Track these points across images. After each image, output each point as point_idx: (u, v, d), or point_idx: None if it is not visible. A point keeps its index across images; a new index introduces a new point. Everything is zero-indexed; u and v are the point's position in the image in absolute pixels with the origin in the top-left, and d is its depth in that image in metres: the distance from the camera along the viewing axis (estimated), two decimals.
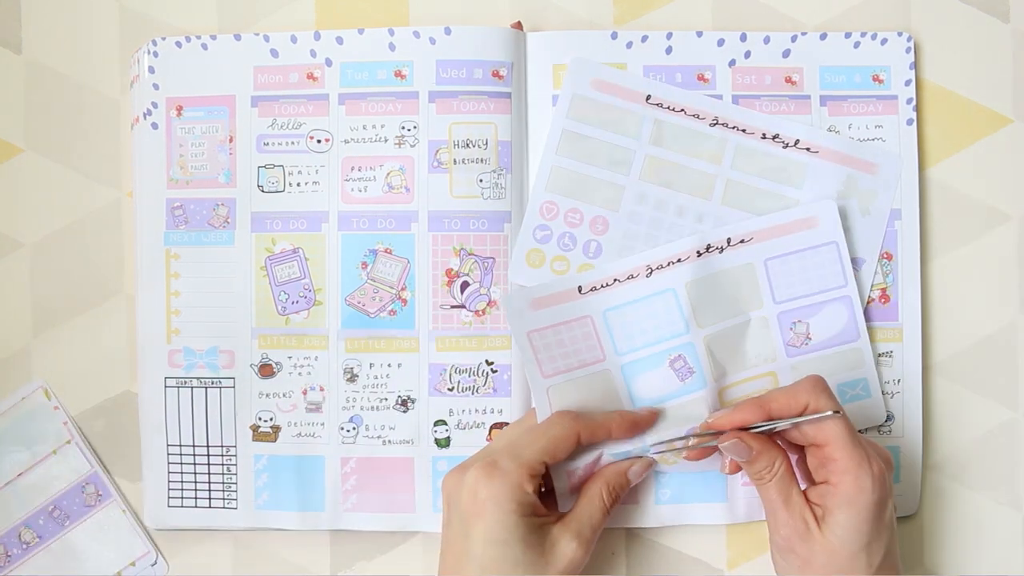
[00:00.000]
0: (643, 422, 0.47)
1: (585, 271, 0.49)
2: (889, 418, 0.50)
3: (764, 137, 0.49)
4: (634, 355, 0.48)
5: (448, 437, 0.49)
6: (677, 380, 0.48)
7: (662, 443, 0.47)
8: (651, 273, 0.47)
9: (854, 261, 0.49)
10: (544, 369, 0.47)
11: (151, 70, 0.50)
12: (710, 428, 0.45)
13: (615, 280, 0.48)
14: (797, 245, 0.48)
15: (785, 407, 0.43)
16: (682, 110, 0.49)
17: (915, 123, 0.50)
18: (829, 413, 0.42)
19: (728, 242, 0.48)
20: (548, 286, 0.47)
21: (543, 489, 0.45)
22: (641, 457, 0.47)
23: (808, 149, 0.49)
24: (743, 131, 0.49)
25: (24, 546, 0.50)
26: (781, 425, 0.43)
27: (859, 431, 0.48)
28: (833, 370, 0.49)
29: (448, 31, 0.49)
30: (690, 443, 0.46)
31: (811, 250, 0.48)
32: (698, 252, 0.48)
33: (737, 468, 0.45)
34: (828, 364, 0.49)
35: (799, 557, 0.43)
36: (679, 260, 0.48)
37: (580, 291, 0.47)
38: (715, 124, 0.49)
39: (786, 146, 0.49)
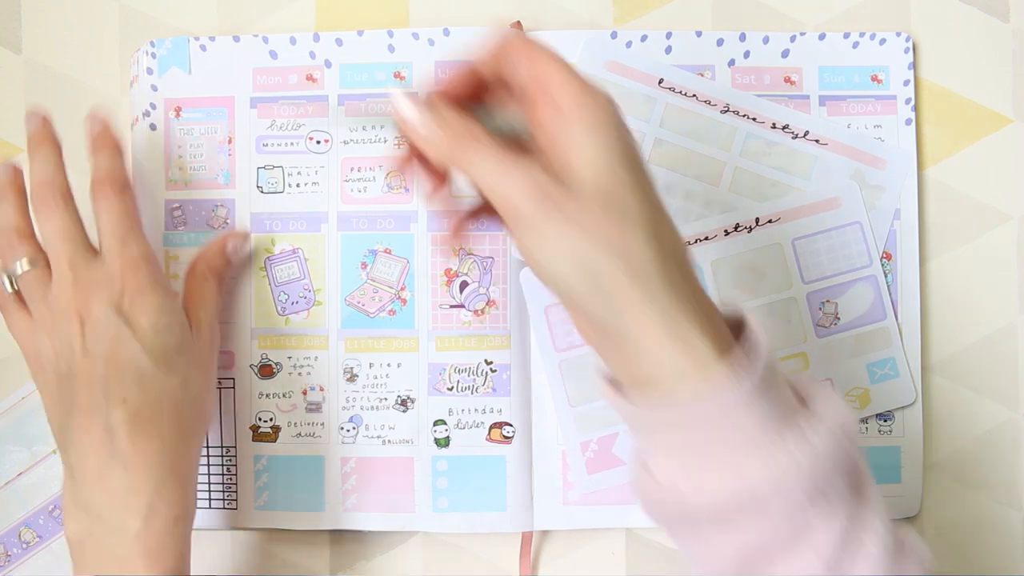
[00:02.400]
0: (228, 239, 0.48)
1: None
2: (889, 418, 0.50)
3: (774, 127, 0.49)
4: None
5: (448, 437, 0.50)
6: None
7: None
8: (726, 111, 0.48)
9: None
10: (558, 344, 0.47)
11: (150, 71, 0.50)
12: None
13: (694, 95, 0.48)
14: (823, 225, 0.49)
15: (494, 66, 0.35)
16: (694, 95, 0.49)
17: (914, 123, 0.50)
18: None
19: (756, 222, 0.48)
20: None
21: None
22: (240, 231, 0.49)
23: (817, 141, 0.49)
24: (753, 119, 0.49)
25: (24, 546, 0.50)
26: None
27: (887, 411, 0.50)
28: (862, 350, 0.49)
29: (447, 32, 0.49)
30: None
31: (836, 230, 0.49)
32: (726, 231, 0.48)
33: (439, 184, 0.38)
34: (857, 344, 0.49)
35: (568, 210, 0.32)
36: (706, 238, 0.48)
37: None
38: (726, 111, 0.49)
39: (795, 137, 0.49)
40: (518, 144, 0.35)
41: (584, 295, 0.33)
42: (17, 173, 0.46)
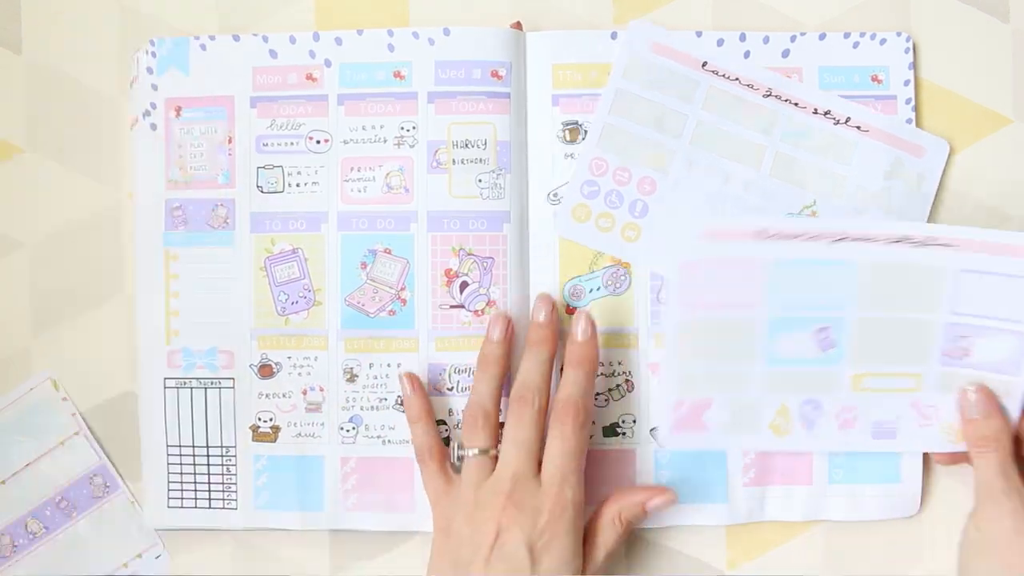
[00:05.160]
0: (508, 340, 0.48)
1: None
2: None
3: (816, 112, 0.49)
4: (785, 312, 0.47)
5: (447, 437, 0.49)
6: (817, 349, 0.47)
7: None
8: (839, 241, 0.46)
9: None
10: (683, 302, 0.47)
11: (150, 70, 0.50)
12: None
13: (803, 234, 0.46)
14: (999, 268, 0.46)
15: None
16: (736, 79, 0.49)
17: (914, 123, 0.50)
18: None
19: (928, 240, 0.46)
20: (728, 221, 0.47)
21: None
22: (666, 493, 0.46)
23: (859, 128, 0.49)
24: (795, 104, 0.49)
25: (31, 536, 0.51)
26: None
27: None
28: None
29: (447, 31, 0.49)
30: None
31: (1013, 279, 0.46)
32: (895, 240, 0.46)
33: (952, 459, 0.47)
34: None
35: (1004, 530, 0.43)
36: (869, 239, 0.46)
37: (761, 234, 0.46)
38: (768, 95, 0.49)
39: (837, 123, 0.49)
40: None
41: None
42: (507, 348, 0.48)
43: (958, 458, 0.48)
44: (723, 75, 0.49)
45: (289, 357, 0.50)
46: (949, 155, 0.51)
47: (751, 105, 0.49)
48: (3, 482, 0.51)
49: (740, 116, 0.49)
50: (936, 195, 0.51)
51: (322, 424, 0.50)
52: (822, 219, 0.49)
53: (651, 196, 0.49)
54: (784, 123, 0.49)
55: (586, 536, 0.46)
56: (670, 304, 0.47)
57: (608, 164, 0.49)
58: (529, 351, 0.47)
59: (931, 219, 0.51)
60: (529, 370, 0.46)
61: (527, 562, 0.42)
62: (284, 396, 0.50)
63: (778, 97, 0.49)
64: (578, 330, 0.46)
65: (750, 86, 0.49)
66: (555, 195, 0.50)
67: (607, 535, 0.46)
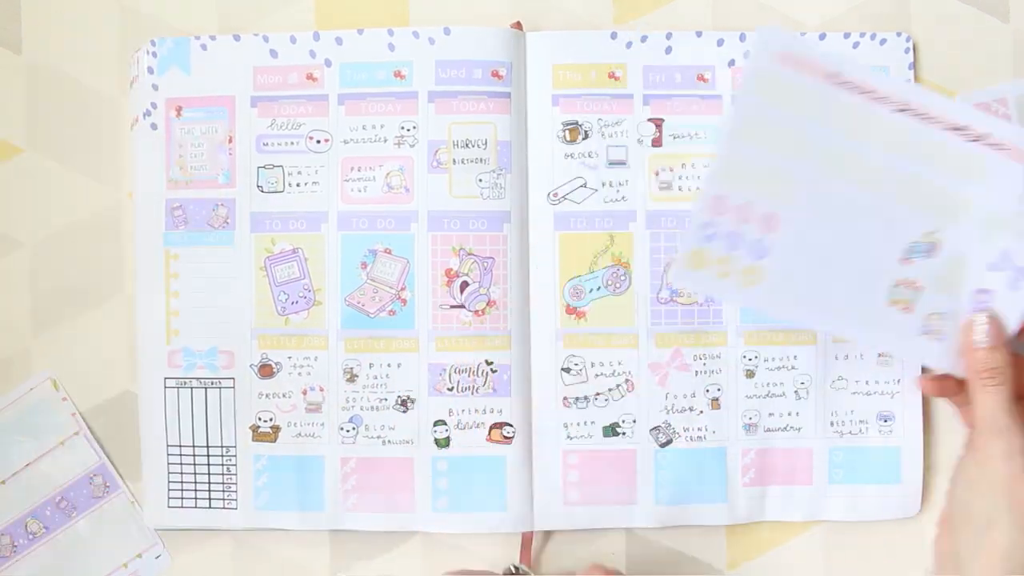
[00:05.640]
0: None
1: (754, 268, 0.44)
2: (889, 418, 0.50)
3: (952, 127, 0.44)
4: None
5: (448, 437, 0.49)
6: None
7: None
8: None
9: (1022, 270, 0.44)
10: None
11: (150, 70, 0.50)
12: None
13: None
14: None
15: None
16: (871, 91, 0.43)
17: None
18: None
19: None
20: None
21: None
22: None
23: (996, 145, 0.44)
24: (930, 118, 0.44)
25: (31, 536, 0.50)
26: None
27: (890, 412, 0.50)
28: None
29: (447, 31, 0.49)
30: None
31: None
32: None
33: (937, 387, 0.46)
34: None
35: (1014, 470, 0.41)
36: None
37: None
38: (903, 111, 0.43)
39: (973, 139, 0.44)
40: None
41: (967, 528, 0.42)
42: None
43: (947, 389, 0.47)
44: (855, 87, 0.43)
45: (289, 357, 0.50)
46: None
47: (881, 120, 0.43)
48: (3, 482, 0.51)
49: (868, 134, 0.43)
50: None
51: (322, 424, 0.50)
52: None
53: (774, 234, 0.44)
54: (915, 140, 0.44)
55: None
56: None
57: (728, 203, 0.43)
58: None
59: None
60: None
61: None
62: (284, 396, 0.50)
63: (913, 111, 0.43)
64: None
65: (884, 99, 0.43)
66: (555, 195, 0.50)
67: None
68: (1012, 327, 0.44)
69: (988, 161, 0.44)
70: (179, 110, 0.50)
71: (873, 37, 0.50)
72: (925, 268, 0.44)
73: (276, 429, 0.50)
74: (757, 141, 0.43)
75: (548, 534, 0.51)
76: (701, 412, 0.50)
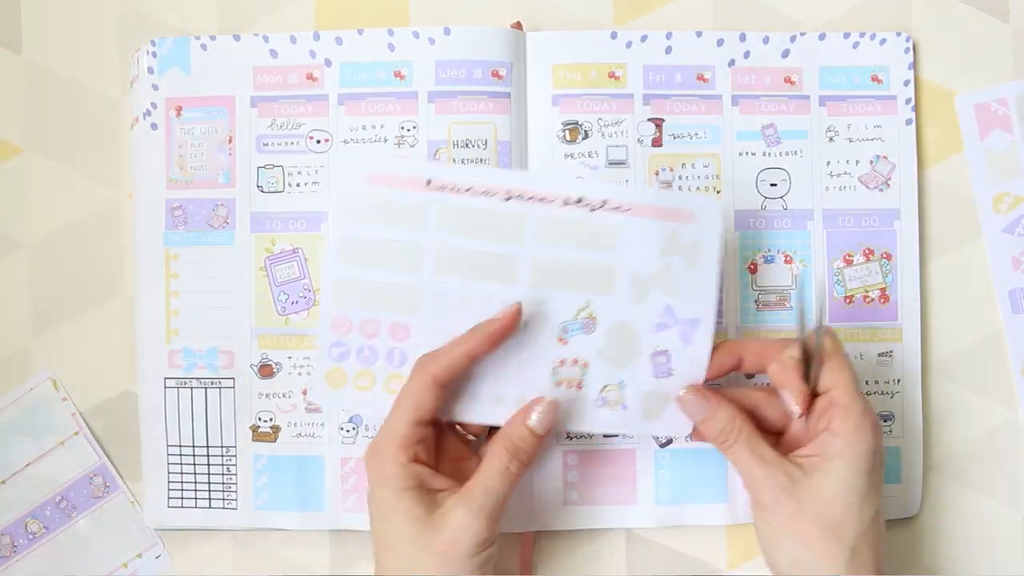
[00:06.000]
0: (505, 326, 0.43)
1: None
2: (889, 418, 0.50)
3: (566, 203, 0.43)
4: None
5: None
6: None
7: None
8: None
9: (689, 322, 0.45)
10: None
11: (150, 70, 0.50)
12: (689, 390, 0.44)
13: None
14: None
15: (758, 353, 0.44)
16: (468, 189, 0.43)
17: (914, 123, 0.50)
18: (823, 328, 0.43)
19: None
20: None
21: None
22: (542, 399, 0.43)
23: (618, 208, 0.43)
24: (541, 200, 0.43)
25: (31, 536, 0.50)
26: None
27: (887, 412, 0.50)
28: None
29: (447, 31, 0.49)
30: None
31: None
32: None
33: (700, 435, 0.45)
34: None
35: (785, 513, 0.41)
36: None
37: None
38: (509, 199, 0.43)
39: (592, 209, 0.43)
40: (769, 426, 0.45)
41: (784, 570, 0.42)
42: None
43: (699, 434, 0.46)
44: (453, 188, 0.43)
45: (289, 357, 0.50)
46: (949, 155, 0.51)
47: (494, 214, 0.43)
48: (3, 482, 0.51)
49: (483, 230, 0.43)
50: (936, 195, 0.51)
51: (322, 424, 0.50)
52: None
53: (407, 342, 0.45)
54: (535, 225, 0.43)
55: (473, 476, 0.43)
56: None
57: (351, 320, 0.44)
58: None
59: (924, 222, 0.51)
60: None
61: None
62: (284, 396, 0.50)
63: (521, 197, 0.43)
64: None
65: (485, 193, 0.43)
66: None
67: (492, 466, 0.42)
68: (700, 378, 0.45)
69: (617, 226, 0.44)
70: (179, 110, 0.50)
71: (873, 37, 0.50)
72: (586, 344, 0.45)
73: (276, 429, 0.50)
74: (362, 260, 0.44)
75: (548, 534, 0.51)
76: None
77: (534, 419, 0.43)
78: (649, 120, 0.50)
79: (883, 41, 0.51)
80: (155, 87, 0.50)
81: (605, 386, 0.45)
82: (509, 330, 0.43)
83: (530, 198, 0.43)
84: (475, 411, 0.45)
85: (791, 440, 0.45)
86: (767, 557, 0.43)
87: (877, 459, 0.42)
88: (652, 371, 0.45)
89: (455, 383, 0.44)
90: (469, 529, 0.41)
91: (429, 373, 0.42)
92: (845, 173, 0.50)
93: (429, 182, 0.43)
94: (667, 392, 0.45)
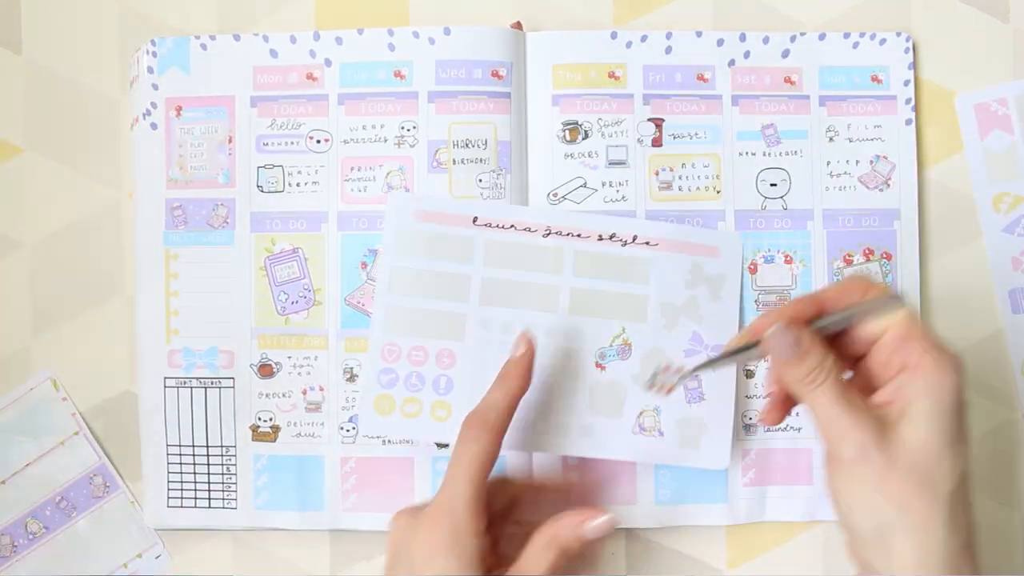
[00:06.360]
0: (529, 354, 0.43)
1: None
2: None
3: (601, 239, 0.47)
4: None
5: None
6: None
7: (686, 370, 0.43)
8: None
9: (715, 348, 0.47)
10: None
11: (150, 70, 0.50)
12: (751, 333, 0.39)
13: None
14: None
15: (838, 296, 0.38)
16: (512, 226, 0.47)
17: (914, 123, 0.50)
18: (894, 295, 0.37)
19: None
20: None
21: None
22: (607, 514, 0.40)
23: (647, 243, 0.47)
24: (578, 236, 0.47)
25: (31, 537, 0.50)
26: (835, 320, 0.38)
27: None
28: None
29: (447, 31, 0.49)
30: (721, 355, 0.41)
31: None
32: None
33: (780, 413, 0.41)
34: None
35: (875, 467, 0.36)
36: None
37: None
38: (548, 235, 0.47)
39: (624, 244, 0.47)
40: (852, 382, 0.39)
41: (867, 542, 0.37)
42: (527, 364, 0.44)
43: (787, 410, 0.42)
44: (497, 226, 0.47)
45: (289, 357, 0.50)
46: (949, 155, 0.51)
47: (535, 248, 0.47)
48: (3, 482, 0.51)
49: (526, 262, 0.47)
50: (936, 195, 0.51)
51: (322, 424, 0.50)
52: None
53: (453, 369, 0.47)
54: (572, 258, 0.47)
55: (520, 561, 0.40)
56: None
57: (400, 347, 0.47)
58: (498, 381, 0.43)
59: (924, 222, 0.51)
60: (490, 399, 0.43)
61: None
62: (284, 396, 0.50)
63: (559, 233, 0.47)
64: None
65: (527, 230, 0.47)
66: (555, 195, 0.50)
67: (536, 560, 0.39)
68: (730, 406, 0.47)
69: (647, 259, 0.46)
70: (179, 110, 0.50)
71: (873, 37, 0.50)
72: (622, 369, 0.47)
73: (276, 429, 0.50)
74: (412, 291, 0.47)
75: None
76: None
77: (591, 527, 0.40)
78: (649, 120, 0.50)
79: (883, 41, 0.51)
80: (155, 87, 0.50)
81: (642, 412, 0.48)
82: (533, 355, 0.43)
83: (567, 234, 0.47)
84: (520, 441, 0.47)
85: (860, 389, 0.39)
86: (845, 521, 0.38)
87: (963, 401, 0.37)
88: (685, 396, 0.48)
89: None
90: None
91: (491, 429, 0.40)
92: (845, 173, 0.50)
93: (475, 219, 0.47)
94: (702, 419, 0.48)
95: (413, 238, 0.47)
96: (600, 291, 0.47)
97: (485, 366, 0.47)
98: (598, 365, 0.47)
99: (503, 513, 0.45)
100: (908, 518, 0.36)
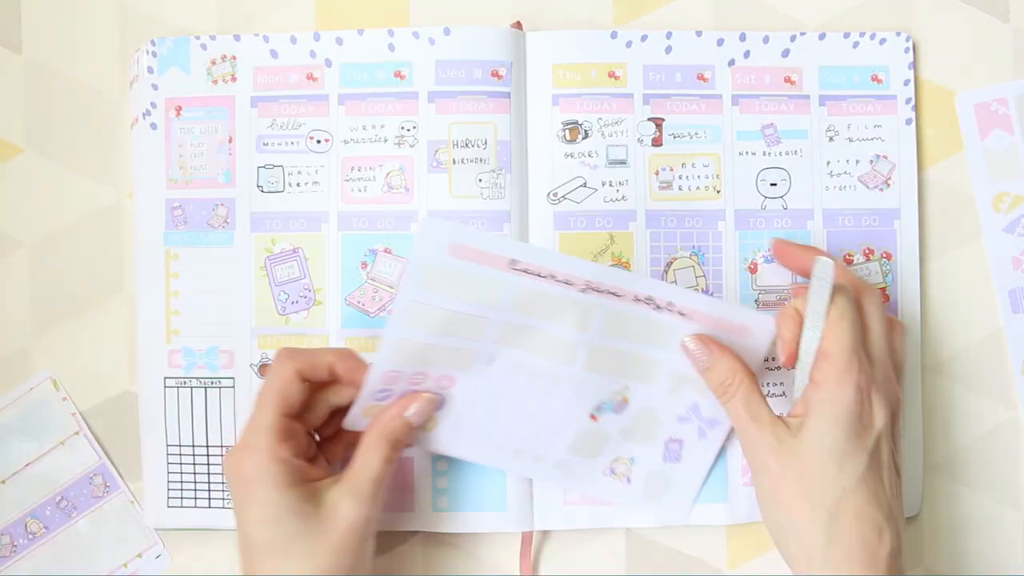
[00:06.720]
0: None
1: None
2: None
3: (636, 300, 0.43)
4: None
5: None
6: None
7: None
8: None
9: (709, 421, 0.47)
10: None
11: (150, 70, 0.50)
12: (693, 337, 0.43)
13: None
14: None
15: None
16: (551, 275, 0.41)
17: (914, 123, 0.50)
18: (829, 263, 0.41)
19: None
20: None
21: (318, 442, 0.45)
22: (419, 395, 0.43)
23: (681, 313, 0.43)
24: (614, 294, 0.42)
25: (31, 536, 0.50)
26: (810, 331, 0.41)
27: None
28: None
29: (447, 31, 0.50)
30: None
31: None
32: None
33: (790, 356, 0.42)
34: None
35: (771, 475, 0.40)
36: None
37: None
38: (586, 290, 0.42)
39: (657, 308, 0.43)
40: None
41: (775, 540, 0.42)
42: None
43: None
44: (536, 274, 0.41)
45: None
46: (949, 155, 0.51)
47: (567, 301, 0.42)
48: (3, 482, 0.51)
49: (554, 314, 0.42)
50: (936, 195, 0.51)
51: None
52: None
53: (448, 390, 0.45)
54: (603, 318, 0.43)
55: (352, 465, 0.43)
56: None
57: (402, 373, 0.43)
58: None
59: (923, 222, 0.51)
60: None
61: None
62: None
63: (596, 290, 0.42)
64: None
65: (566, 282, 0.41)
66: (555, 195, 0.50)
67: (369, 458, 0.42)
68: (704, 472, 0.49)
69: (674, 327, 0.44)
70: (179, 110, 0.50)
71: (873, 37, 0.50)
72: (612, 421, 0.47)
73: None
74: (428, 328, 0.42)
75: (548, 534, 0.51)
76: None
77: (412, 413, 0.43)
78: (649, 120, 0.50)
79: (883, 41, 0.51)
80: (155, 87, 0.50)
81: (617, 458, 0.48)
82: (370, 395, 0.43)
83: (605, 291, 0.42)
84: (484, 455, 0.47)
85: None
86: (765, 523, 0.43)
87: (859, 422, 0.40)
88: (663, 455, 0.48)
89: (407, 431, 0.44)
90: (360, 518, 0.41)
91: (293, 367, 0.42)
92: (845, 173, 0.50)
93: (513, 263, 0.41)
94: (671, 477, 0.48)
95: (440, 275, 0.40)
96: (618, 351, 0.44)
97: (480, 392, 0.45)
98: (592, 416, 0.46)
99: (329, 421, 0.45)
100: (792, 523, 0.40)
